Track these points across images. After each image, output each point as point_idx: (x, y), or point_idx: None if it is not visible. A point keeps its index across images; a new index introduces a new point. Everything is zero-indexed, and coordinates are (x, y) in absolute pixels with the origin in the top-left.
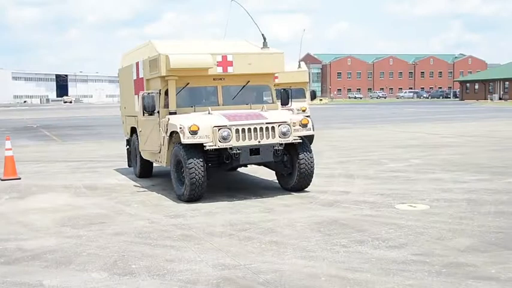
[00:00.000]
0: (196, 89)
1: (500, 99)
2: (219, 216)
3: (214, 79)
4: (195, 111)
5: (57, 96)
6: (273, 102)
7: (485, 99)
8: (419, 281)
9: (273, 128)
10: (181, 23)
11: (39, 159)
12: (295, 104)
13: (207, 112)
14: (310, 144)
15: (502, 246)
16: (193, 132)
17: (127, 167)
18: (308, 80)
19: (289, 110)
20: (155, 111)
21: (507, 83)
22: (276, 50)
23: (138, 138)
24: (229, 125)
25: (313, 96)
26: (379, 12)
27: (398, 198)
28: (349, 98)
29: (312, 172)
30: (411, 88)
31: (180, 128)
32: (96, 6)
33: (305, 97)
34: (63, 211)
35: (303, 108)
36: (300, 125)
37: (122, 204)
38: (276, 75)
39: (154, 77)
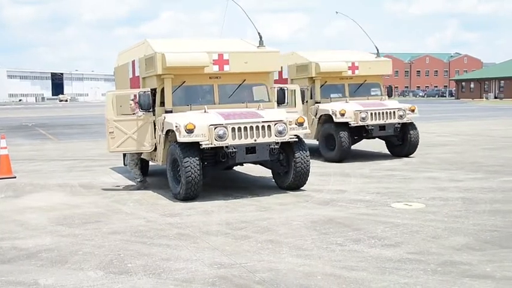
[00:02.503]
0: (192, 88)
1: (495, 98)
2: (215, 215)
3: (210, 78)
4: (191, 109)
5: (52, 95)
6: (269, 101)
7: (480, 98)
8: (415, 280)
9: (269, 126)
10: (177, 22)
11: (35, 158)
12: (392, 103)
13: (203, 111)
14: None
15: (497, 244)
16: (189, 131)
17: (123, 165)
18: (390, 73)
19: (399, 109)
20: (150, 110)
21: (502, 82)
22: (272, 48)
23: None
24: (225, 124)
25: (391, 92)
26: (376, 11)
27: (394, 196)
28: None
29: (308, 171)
30: (407, 87)
31: (176, 126)
32: (92, 5)
33: (381, 93)
34: (58, 210)
35: (412, 108)
36: (296, 124)
37: (118, 203)
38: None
39: (150, 75)
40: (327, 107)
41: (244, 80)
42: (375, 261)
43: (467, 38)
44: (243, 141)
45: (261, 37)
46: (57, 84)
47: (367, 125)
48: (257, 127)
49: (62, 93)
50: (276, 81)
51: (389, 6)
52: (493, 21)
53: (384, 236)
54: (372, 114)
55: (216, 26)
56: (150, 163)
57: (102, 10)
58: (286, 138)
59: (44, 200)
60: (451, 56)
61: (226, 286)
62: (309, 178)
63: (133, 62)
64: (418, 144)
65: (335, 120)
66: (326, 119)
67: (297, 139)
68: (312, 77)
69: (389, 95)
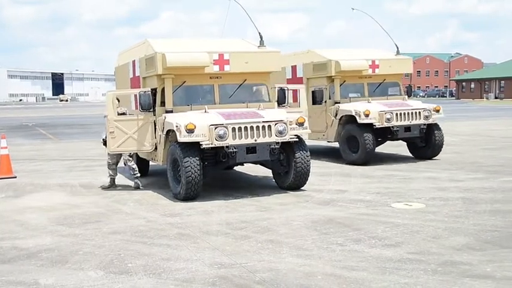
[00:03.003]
0: (192, 88)
1: (496, 98)
2: (215, 215)
3: (210, 77)
4: (191, 109)
5: (53, 95)
6: (269, 101)
7: (481, 98)
8: (415, 280)
9: (269, 126)
10: (178, 22)
11: (35, 158)
12: (416, 103)
13: (204, 111)
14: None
15: (498, 244)
16: (190, 131)
17: (123, 165)
18: (411, 72)
19: (424, 109)
20: (151, 110)
21: (503, 82)
22: (272, 48)
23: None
24: (226, 124)
25: (410, 91)
26: (377, 11)
27: (394, 197)
28: None
29: (308, 171)
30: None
31: (177, 126)
32: (92, 5)
33: (401, 93)
34: (59, 210)
35: (437, 108)
36: (296, 124)
37: (118, 203)
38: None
39: (151, 75)
40: (349, 107)
41: (245, 80)
42: (375, 261)
43: (468, 38)
44: (244, 141)
45: (261, 37)
46: (58, 84)
47: (392, 126)
48: (257, 127)
49: (63, 93)
50: (289, 80)
51: (389, 6)
52: (493, 21)
53: (384, 236)
54: (397, 114)
55: (216, 26)
56: (150, 163)
57: (102, 10)
58: (286, 138)
59: (44, 200)
60: (452, 56)
61: (227, 286)
62: (309, 178)
63: (133, 62)
64: (442, 146)
65: (359, 121)
66: (347, 119)
67: (297, 139)
68: (330, 76)
69: (409, 94)
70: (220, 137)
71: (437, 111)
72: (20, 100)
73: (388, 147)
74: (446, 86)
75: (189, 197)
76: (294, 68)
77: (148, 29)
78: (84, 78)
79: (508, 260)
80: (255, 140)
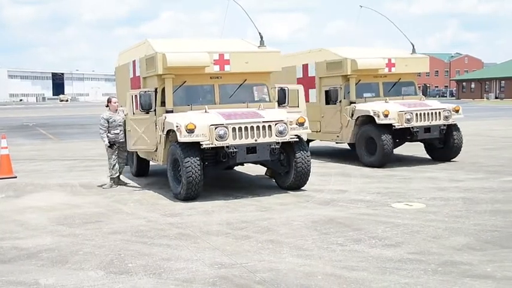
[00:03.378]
0: (193, 88)
1: (496, 98)
2: (215, 215)
3: (211, 77)
4: (191, 109)
5: (53, 95)
6: (270, 101)
7: (481, 98)
8: (416, 280)
9: (269, 126)
10: (177, 22)
11: (35, 158)
12: (434, 102)
13: (204, 111)
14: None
15: (498, 244)
16: (190, 131)
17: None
18: (428, 71)
19: (444, 109)
20: (151, 110)
21: (503, 82)
22: (272, 48)
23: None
24: (226, 124)
25: (426, 91)
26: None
27: (394, 197)
28: None
29: (309, 171)
30: None
31: (177, 126)
32: (92, 5)
33: (416, 92)
34: (59, 210)
35: (456, 108)
36: (296, 124)
37: (119, 203)
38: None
39: (151, 75)
40: (366, 108)
41: (245, 80)
42: (375, 261)
43: (468, 38)
44: (244, 141)
45: (261, 37)
46: (58, 84)
47: (412, 127)
48: (258, 127)
49: (63, 93)
50: (300, 80)
51: (389, 6)
52: (493, 21)
53: (385, 236)
54: (417, 115)
55: (216, 26)
56: (151, 163)
57: (102, 10)
58: (286, 138)
59: (44, 200)
60: (452, 56)
61: (227, 286)
62: (309, 178)
63: (134, 62)
64: (461, 148)
65: (378, 121)
66: (364, 120)
67: (297, 139)
68: (346, 75)
69: (425, 94)
70: (221, 137)
71: (457, 111)
72: (21, 100)
73: None
74: (447, 86)
75: (189, 197)
76: (305, 66)
77: (148, 29)
78: (85, 78)
79: (508, 260)
80: (255, 140)
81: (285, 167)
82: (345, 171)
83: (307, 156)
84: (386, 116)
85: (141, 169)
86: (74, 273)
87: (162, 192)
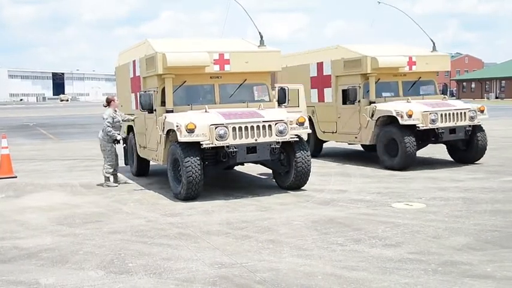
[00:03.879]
0: (193, 87)
1: (496, 98)
2: (215, 214)
3: (211, 77)
4: (191, 109)
5: (53, 95)
6: (270, 101)
7: (481, 98)
8: (416, 280)
9: (269, 126)
10: (178, 22)
11: (36, 158)
12: (458, 102)
13: (204, 110)
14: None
15: (498, 244)
16: (190, 131)
17: (124, 165)
18: (449, 69)
19: (469, 110)
20: (152, 110)
21: (503, 81)
22: (273, 48)
23: (134, 137)
24: (226, 123)
25: (446, 90)
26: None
27: (394, 196)
28: None
29: (309, 171)
30: None
31: (177, 126)
32: (92, 5)
33: (436, 92)
34: (59, 209)
35: (481, 108)
36: (296, 124)
37: (119, 202)
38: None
39: (151, 75)
40: (388, 108)
41: (245, 80)
42: (375, 261)
43: (468, 38)
44: (244, 140)
45: (261, 37)
46: (58, 84)
47: (437, 128)
48: (258, 127)
49: (63, 93)
50: (314, 78)
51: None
52: (493, 21)
53: (385, 236)
54: (442, 115)
55: (216, 25)
56: (151, 163)
57: (102, 10)
58: (287, 137)
59: (44, 200)
60: (452, 56)
61: (227, 286)
62: (309, 178)
63: (134, 62)
64: (485, 149)
65: (401, 122)
66: (385, 120)
67: (297, 139)
68: (365, 74)
69: (445, 93)
70: (221, 137)
71: (482, 111)
72: (21, 100)
73: None
74: (447, 85)
75: (189, 196)
76: (319, 65)
77: (148, 28)
78: (85, 78)
79: (508, 260)
80: (256, 140)
81: (285, 167)
82: (345, 171)
83: (307, 156)
84: (410, 116)
85: (142, 169)
86: (74, 273)
87: (162, 192)
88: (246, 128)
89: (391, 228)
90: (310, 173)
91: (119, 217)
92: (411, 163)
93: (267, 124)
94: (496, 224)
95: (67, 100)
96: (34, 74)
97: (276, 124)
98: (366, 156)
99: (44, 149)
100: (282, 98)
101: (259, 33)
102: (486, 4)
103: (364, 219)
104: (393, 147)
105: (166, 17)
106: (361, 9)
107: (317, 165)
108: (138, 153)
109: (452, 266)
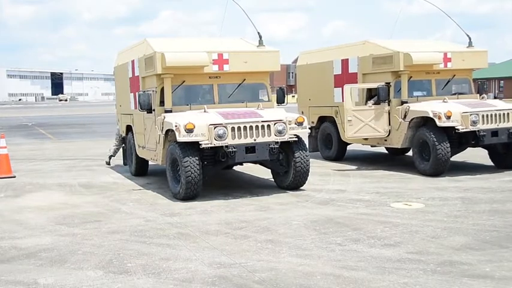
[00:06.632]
0: (192, 87)
1: (495, 98)
2: (214, 214)
3: (210, 77)
4: (190, 109)
5: (52, 94)
6: (268, 100)
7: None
8: (414, 279)
9: (268, 126)
10: (177, 21)
11: (34, 157)
12: (498, 102)
13: (203, 110)
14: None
15: (497, 244)
16: (189, 131)
17: (122, 165)
18: (486, 67)
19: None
20: (151, 110)
21: (502, 81)
22: (272, 48)
23: (133, 137)
24: (225, 123)
25: (482, 89)
26: (375, 10)
27: (393, 196)
28: None
29: (308, 170)
30: None
31: (176, 126)
32: (91, 4)
33: (471, 91)
34: (58, 209)
35: None
36: (295, 123)
37: (118, 202)
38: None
39: (150, 75)
40: (423, 108)
41: (244, 80)
42: (374, 261)
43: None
44: (243, 140)
45: (260, 36)
46: (57, 83)
47: (478, 130)
48: (257, 127)
49: (62, 93)
50: (339, 77)
51: (388, 6)
52: (492, 21)
53: (384, 236)
54: (483, 116)
55: (214, 25)
56: (150, 162)
57: (101, 9)
58: (285, 137)
59: (43, 200)
60: None
61: (226, 286)
62: (308, 178)
63: (132, 61)
64: (307, 173)
65: (439, 124)
66: (418, 122)
67: (296, 139)
68: (397, 71)
69: (481, 93)
70: (220, 137)
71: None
72: (19, 100)
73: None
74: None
75: (188, 196)
76: (344, 62)
77: (147, 28)
78: (84, 78)
79: (507, 259)
80: (254, 140)
81: (284, 167)
82: (344, 171)
83: (306, 156)
84: (448, 117)
85: (140, 169)
86: (73, 272)
87: (161, 192)
88: (245, 128)
89: (390, 228)
90: (309, 173)
91: (118, 217)
92: (444, 169)
93: (266, 124)
94: (494, 224)
95: (66, 100)
96: (33, 74)
97: (275, 124)
98: (366, 156)
99: (42, 149)
100: (281, 98)
101: (258, 33)
102: (485, 4)
103: (363, 219)
104: (427, 151)
105: (165, 17)
106: (359, 8)
107: (316, 165)
108: (137, 153)
109: (451, 266)
